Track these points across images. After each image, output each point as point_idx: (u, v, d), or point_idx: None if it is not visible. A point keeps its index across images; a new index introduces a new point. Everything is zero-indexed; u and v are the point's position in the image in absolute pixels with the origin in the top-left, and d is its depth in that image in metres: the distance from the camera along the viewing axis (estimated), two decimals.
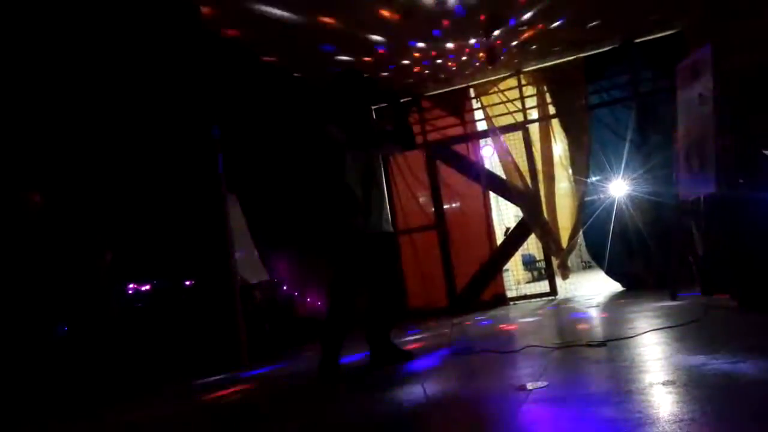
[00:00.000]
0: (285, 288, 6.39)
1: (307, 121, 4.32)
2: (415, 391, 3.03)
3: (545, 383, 2.69)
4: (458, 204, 8.12)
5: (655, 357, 2.95)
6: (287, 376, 4.42)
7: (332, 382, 3.71)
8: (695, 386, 2.26)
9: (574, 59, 7.37)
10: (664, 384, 2.34)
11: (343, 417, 2.81)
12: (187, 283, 5.36)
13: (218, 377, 4.63)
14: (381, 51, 6.33)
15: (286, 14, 5.20)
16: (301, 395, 3.57)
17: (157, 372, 4.67)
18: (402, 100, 5.36)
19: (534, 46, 6.88)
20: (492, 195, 8.16)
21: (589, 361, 3.14)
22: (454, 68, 7.22)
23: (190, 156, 5.15)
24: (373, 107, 4.11)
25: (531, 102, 7.75)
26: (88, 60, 4.57)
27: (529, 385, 2.68)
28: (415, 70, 7.00)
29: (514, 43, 6.69)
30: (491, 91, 7.82)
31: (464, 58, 6.89)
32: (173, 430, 3.13)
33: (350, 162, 3.89)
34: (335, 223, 3.89)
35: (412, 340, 5.30)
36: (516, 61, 7.32)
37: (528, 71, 7.64)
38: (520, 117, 7.70)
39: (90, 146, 4.64)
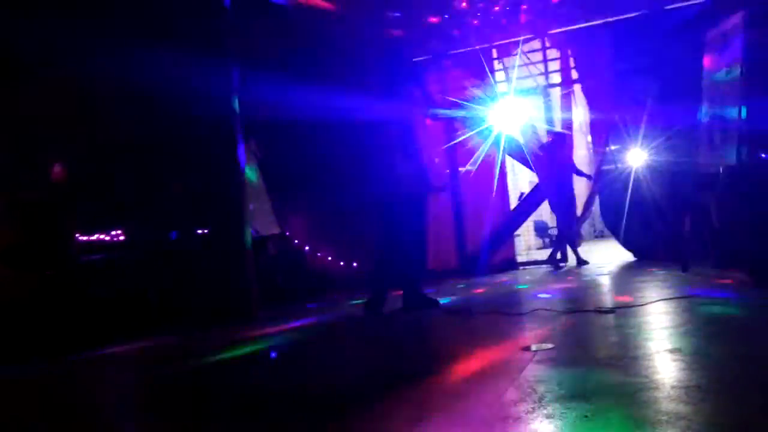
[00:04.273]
0: (297, 242, 6.43)
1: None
2: (420, 350, 3.05)
3: (551, 345, 2.71)
4: (473, 167, 8.05)
5: (662, 326, 2.95)
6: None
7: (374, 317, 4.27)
8: (703, 355, 2.27)
9: (602, 24, 7.18)
10: (670, 351, 2.35)
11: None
12: (199, 232, 5.40)
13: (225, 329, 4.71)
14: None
15: None
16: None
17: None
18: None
19: (561, 9, 6.70)
20: (508, 159, 8.07)
21: (597, 326, 3.15)
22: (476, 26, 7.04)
23: (206, 106, 5.12)
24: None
25: (554, 66, 7.60)
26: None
27: (534, 347, 2.70)
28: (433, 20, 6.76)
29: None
30: (514, 52, 7.67)
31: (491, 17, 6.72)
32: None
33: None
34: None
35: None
36: (541, 23, 7.14)
37: (553, 33, 7.47)
38: (542, 81, 7.56)
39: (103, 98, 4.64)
